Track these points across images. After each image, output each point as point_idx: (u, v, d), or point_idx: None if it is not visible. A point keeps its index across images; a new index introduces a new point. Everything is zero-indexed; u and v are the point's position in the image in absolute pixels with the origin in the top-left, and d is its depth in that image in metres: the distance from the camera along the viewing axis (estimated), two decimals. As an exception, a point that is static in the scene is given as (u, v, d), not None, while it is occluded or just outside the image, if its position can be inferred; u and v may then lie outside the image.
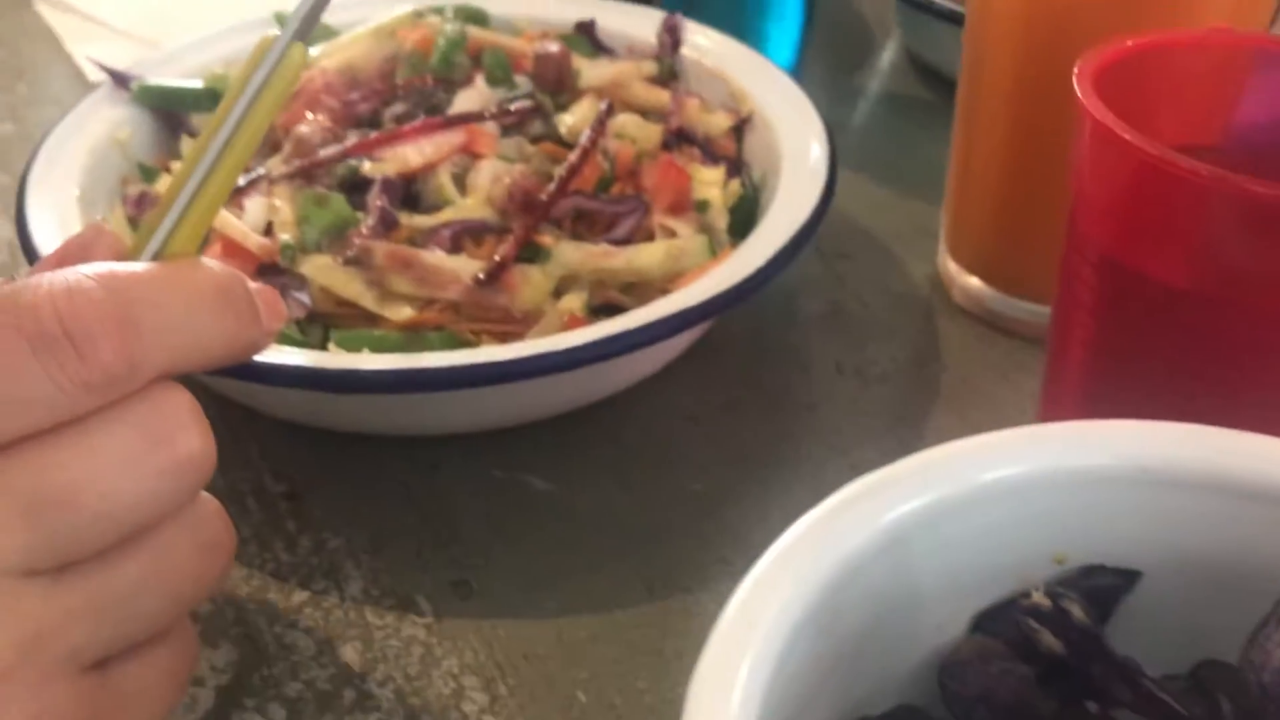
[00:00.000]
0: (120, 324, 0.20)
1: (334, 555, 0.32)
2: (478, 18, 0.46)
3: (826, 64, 0.56)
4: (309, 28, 0.25)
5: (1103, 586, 0.24)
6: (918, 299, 0.42)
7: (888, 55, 0.58)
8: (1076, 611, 0.23)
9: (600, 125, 0.38)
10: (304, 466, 0.34)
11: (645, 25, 0.46)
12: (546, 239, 0.35)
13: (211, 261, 0.23)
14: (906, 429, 0.37)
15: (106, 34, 0.57)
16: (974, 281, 0.40)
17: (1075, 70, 0.27)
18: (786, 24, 0.50)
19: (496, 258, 0.34)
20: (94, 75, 0.52)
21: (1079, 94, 0.26)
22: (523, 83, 0.42)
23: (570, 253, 0.35)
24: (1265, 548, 0.23)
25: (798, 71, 0.52)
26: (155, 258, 0.23)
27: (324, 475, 0.34)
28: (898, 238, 0.45)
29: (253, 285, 0.24)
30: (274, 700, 0.28)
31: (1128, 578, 0.24)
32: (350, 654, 0.30)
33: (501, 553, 0.32)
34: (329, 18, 0.41)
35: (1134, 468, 0.23)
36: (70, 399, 0.20)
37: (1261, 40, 0.30)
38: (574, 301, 0.34)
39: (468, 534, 0.33)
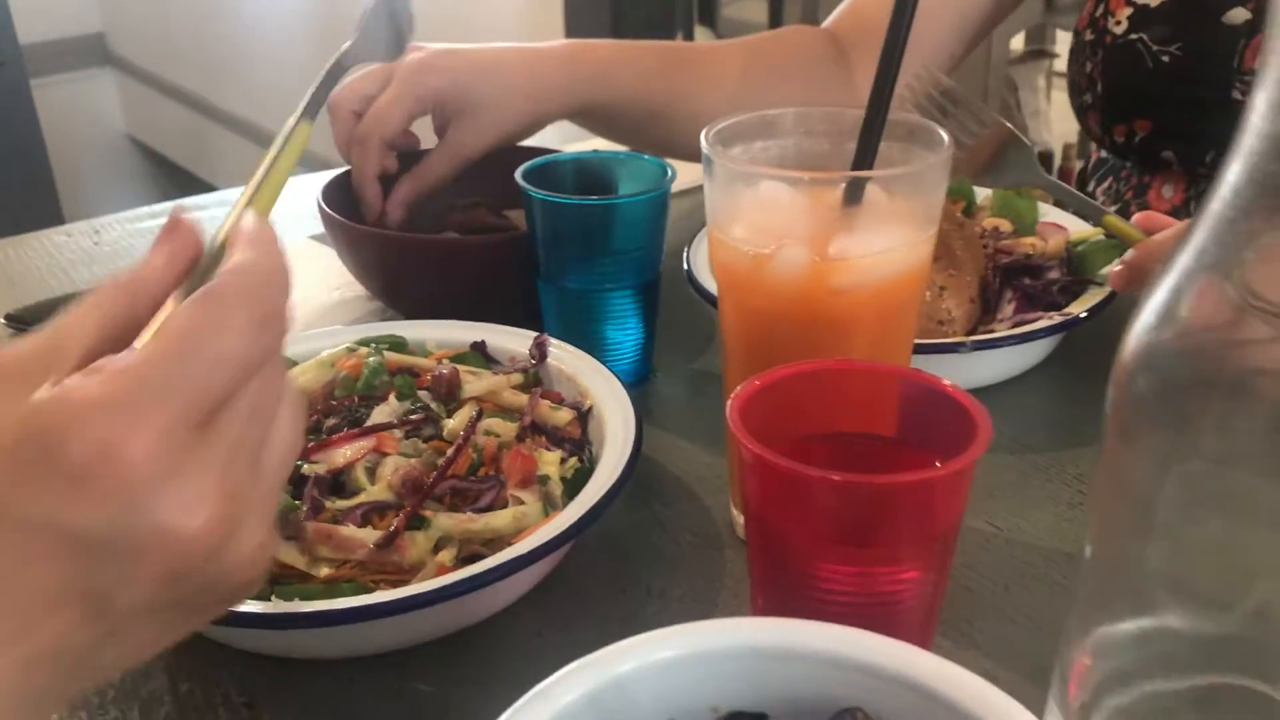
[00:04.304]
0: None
1: (278, 744, 0.46)
2: (398, 345, 0.63)
3: (680, 353, 0.74)
4: (315, 110, 0.42)
5: (743, 725, 0.38)
6: (713, 535, 0.57)
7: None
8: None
9: (471, 428, 0.54)
10: (259, 684, 0.49)
11: (522, 343, 0.64)
12: (428, 512, 0.51)
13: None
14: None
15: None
16: (741, 518, 0.55)
17: (730, 401, 0.43)
18: (629, 335, 0.67)
19: (391, 528, 0.50)
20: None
21: (729, 416, 0.42)
22: (424, 396, 0.58)
23: (445, 521, 0.50)
24: (832, 690, 0.37)
25: (644, 364, 0.69)
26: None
27: (274, 689, 0.49)
28: (706, 486, 0.61)
29: None
30: (231, 843, 0.42)
31: (759, 718, 0.38)
32: (285, 811, 0.43)
33: (394, 736, 0.46)
34: (291, 351, 0.58)
35: (754, 648, 0.38)
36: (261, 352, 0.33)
37: (873, 366, 0.46)
38: (446, 555, 0.50)
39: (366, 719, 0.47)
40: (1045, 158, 2.37)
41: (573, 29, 2.47)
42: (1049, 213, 0.77)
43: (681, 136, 0.83)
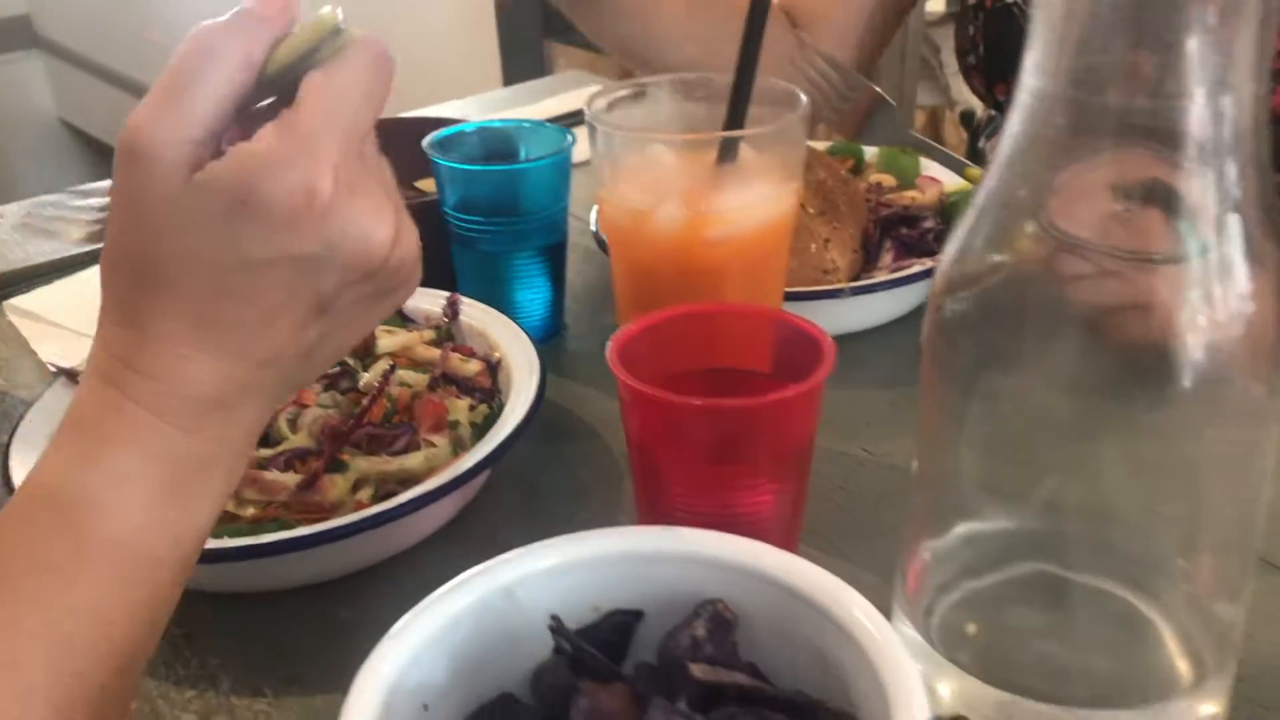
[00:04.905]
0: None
1: (213, 669, 0.51)
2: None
3: (590, 310, 0.79)
4: None
5: (621, 622, 0.43)
6: (614, 469, 0.62)
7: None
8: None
9: (385, 380, 0.59)
10: (196, 617, 0.53)
11: (436, 303, 0.68)
12: (347, 456, 0.56)
13: None
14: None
15: (66, 335, 0.77)
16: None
17: (609, 343, 0.48)
18: (538, 293, 0.72)
19: (312, 471, 0.54)
20: (53, 369, 0.72)
21: (608, 356, 0.47)
22: (342, 353, 0.63)
23: (362, 463, 0.55)
24: (700, 587, 0.42)
25: (554, 321, 0.74)
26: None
27: (211, 621, 0.53)
28: (609, 428, 0.66)
29: None
30: (173, 752, 0.47)
31: (636, 615, 0.43)
32: (222, 723, 0.48)
33: (322, 655, 0.51)
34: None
35: (628, 553, 0.43)
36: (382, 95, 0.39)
37: (737, 307, 0.52)
38: (364, 494, 0.54)
39: (299, 645, 0.52)
40: (968, 116, 2.44)
41: (504, 24, 2.50)
42: (929, 167, 0.82)
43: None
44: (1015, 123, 0.38)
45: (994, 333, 0.40)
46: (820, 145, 0.84)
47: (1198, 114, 0.35)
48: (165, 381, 0.38)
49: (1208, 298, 0.37)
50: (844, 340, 0.72)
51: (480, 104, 1.23)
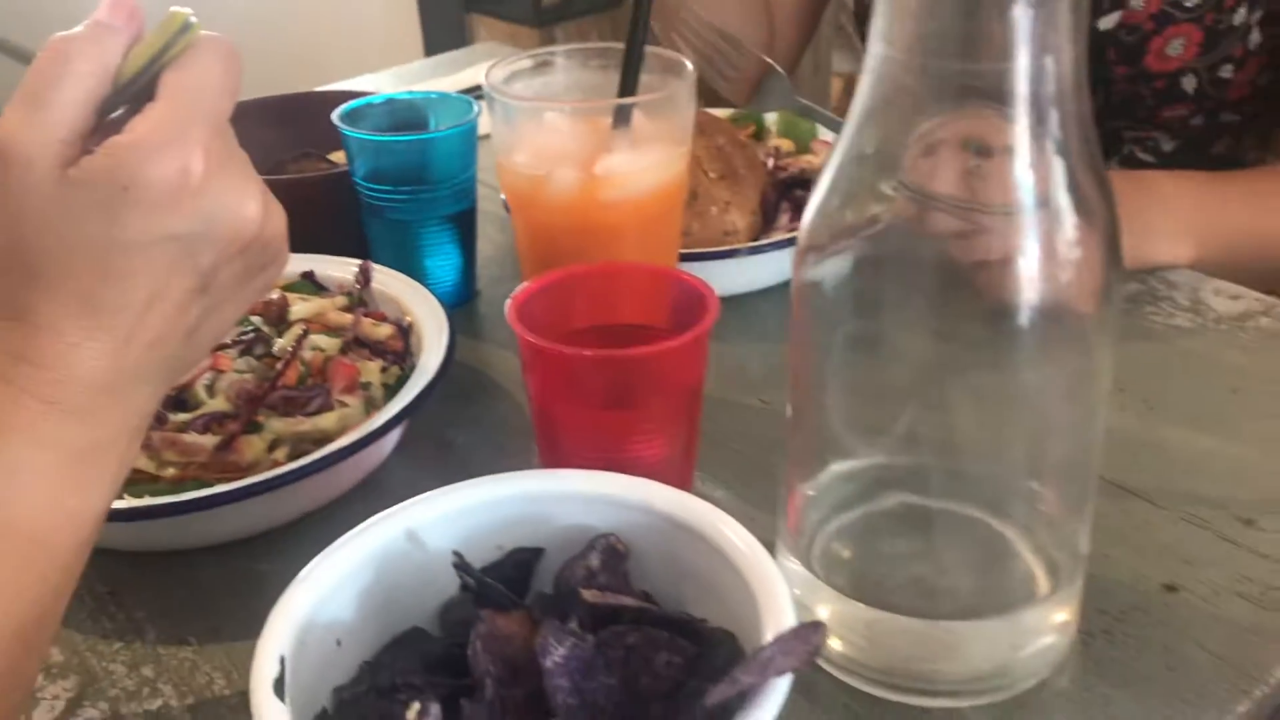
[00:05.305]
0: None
1: (139, 622, 0.53)
2: (233, 278, 0.69)
3: (503, 275, 0.81)
4: None
5: (522, 560, 0.46)
6: (526, 425, 0.65)
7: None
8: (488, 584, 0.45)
9: (299, 344, 0.61)
10: (120, 575, 0.56)
11: (349, 271, 0.70)
12: (262, 418, 0.58)
13: None
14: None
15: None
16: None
17: (508, 302, 0.51)
18: (448, 259, 0.75)
19: (229, 433, 0.57)
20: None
21: (507, 314, 0.50)
22: (256, 320, 0.65)
23: (277, 424, 0.58)
24: (596, 524, 0.46)
25: (467, 287, 0.77)
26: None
27: (134, 578, 0.55)
28: (520, 388, 0.69)
29: None
30: (102, 699, 0.49)
31: (537, 553, 0.46)
32: (148, 672, 0.51)
33: (242, 606, 0.54)
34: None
35: (528, 494, 0.46)
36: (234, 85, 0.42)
37: (629, 266, 0.55)
38: (280, 453, 0.57)
39: (221, 598, 0.54)
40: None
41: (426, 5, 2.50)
42: (826, 132, 0.86)
43: None
44: (864, 86, 0.42)
45: (852, 283, 0.43)
46: (723, 113, 0.87)
47: (1025, 74, 0.39)
48: (56, 370, 0.39)
49: (1043, 244, 0.41)
50: (744, 299, 0.76)
51: (397, 77, 1.24)
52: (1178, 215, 0.76)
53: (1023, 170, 0.40)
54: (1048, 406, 0.44)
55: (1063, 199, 0.41)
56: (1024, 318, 0.41)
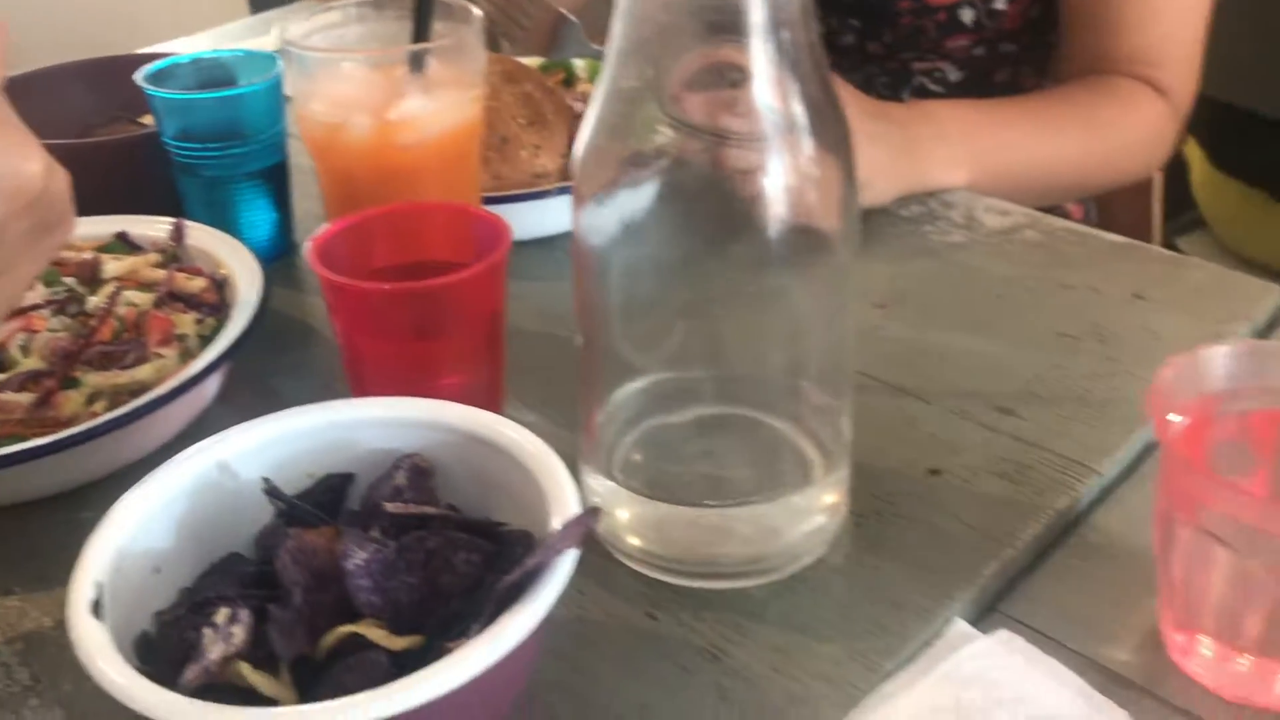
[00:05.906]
0: None
1: (-35, 577, 0.55)
2: (44, 242, 0.70)
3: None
4: None
5: (334, 484, 0.49)
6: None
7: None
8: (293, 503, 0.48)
9: (112, 301, 0.63)
10: (-56, 535, 0.57)
11: (164, 230, 0.71)
12: (79, 373, 0.59)
13: None
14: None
15: None
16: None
17: (308, 243, 0.53)
18: (262, 214, 0.76)
19: (46, 390, 0.58)
20: None
21: (308, 255, 0.53)
22: (70, 281, 0.66)
23: (94, 378, 0.59)
24: (402, 446, 0.49)
25: (283, 240, 0.78)
26: None
27: (-42, 538, 0.57)
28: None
29: None
30: (-71, 652, 0.51)
31: (347, 478, 0.50)
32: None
33: (67, 553, 0.55)
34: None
35: (334, 422, 0.49)
36: None
37: (425, 205, 0.58)
38: (99, 407, 0.58)
39: (46, 546, 0.56)
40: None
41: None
42: (631, 75, 0.90)
43: None
44: (617, 27, 0.45)
45: (620, 212, 0.47)
46: (532, 61, 0.90)
47: (760, 5, 0.43)
48: None
49: (787, 163, 0.45)
50: (556, 240, 0.80)
51: (217, 37, 1.23)
52: (953, 141, 0.83)
53: (763, 95, 0.45)
54: (803, 310, 0.49)
55: (802, 121, 0.45)
56: (775, 231, 0.46)
